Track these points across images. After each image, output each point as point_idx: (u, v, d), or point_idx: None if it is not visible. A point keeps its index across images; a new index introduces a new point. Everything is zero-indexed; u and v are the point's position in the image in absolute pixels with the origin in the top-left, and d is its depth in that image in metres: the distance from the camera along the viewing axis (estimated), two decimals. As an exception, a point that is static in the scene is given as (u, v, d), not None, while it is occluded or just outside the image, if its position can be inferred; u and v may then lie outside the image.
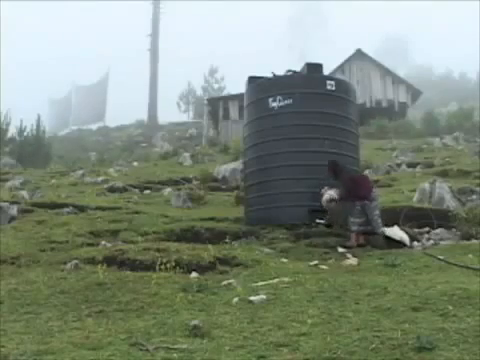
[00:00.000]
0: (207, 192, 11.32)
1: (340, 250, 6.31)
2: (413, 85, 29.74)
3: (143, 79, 49.87)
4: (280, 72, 8.18)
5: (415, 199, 9.01)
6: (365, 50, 29.51)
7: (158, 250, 5.58)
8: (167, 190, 11.73)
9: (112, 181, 13.29)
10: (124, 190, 12.13)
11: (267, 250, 6.17)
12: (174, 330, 3.31)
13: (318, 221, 7.13)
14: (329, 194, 6.92)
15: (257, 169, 7.73)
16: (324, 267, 5.32)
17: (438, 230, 7.42)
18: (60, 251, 5.98)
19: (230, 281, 4.58)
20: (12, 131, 21.78)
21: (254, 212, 7.64)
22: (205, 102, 33.01)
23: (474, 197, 9.03)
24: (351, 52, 29.11)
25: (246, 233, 7.07)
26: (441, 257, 5.51)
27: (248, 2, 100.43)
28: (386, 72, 29.05)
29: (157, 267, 4.94)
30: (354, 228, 6.66)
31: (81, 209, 8.84)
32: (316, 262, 5.51)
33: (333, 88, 7.56)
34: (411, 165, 14.79)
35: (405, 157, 16.41)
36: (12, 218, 8.00)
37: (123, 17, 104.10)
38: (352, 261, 5.71)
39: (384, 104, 28.20)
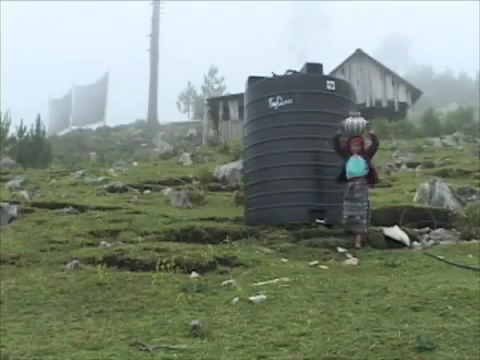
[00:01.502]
0: (207, 192, 11.32)
1: (340, 250, 6.31)
2: (413, 85, 29.80)
3: (143, 79, 49.99)
4: (280, 72, 8.18)
5: (415, 199, 9.01)
6: (365, 50, 29.58)
7: (158, 250, 5.58)
8: (167, 190, 11.72)
9: (112, 181, 13.28)
10: (124, 190, 12.12)
11: (267, 250, 6.16)
12: (174, 330, 3.31)
13: (318, 221, 7.13)
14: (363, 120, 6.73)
15: (257, 169, 7.73)
16: (324, 267, 5.32)
17: (438, 230, 7.42)
18: (60, 251, 5.97)
19: (230, 281, 4.58)
20: (12, 131, 21.78)
21: (254, 212, 7.64)
22: (205, 102, 33.07)
23: (474, 197, 9.03)
24: (351, 52, 29.16)
25: (246, 233, 7.06)
26: (441, 257, 5.51)
27: (248, 2, 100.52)
28: (386, 72, 29.09)
29: (157, 267, 4.93)
30: (366, 229, 6.58)
31: (81, 209, 8.83)
32: (316, 262, 5.51)
33: (333, 88, 7.55)
34: (411, 165, 14.80)
35: (405, 157, 16.42)
36: (12, 218, 8.00)
37: (123, 17, 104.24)
38: (352, 261, 5.71)
39: (384, 104, 28.24)
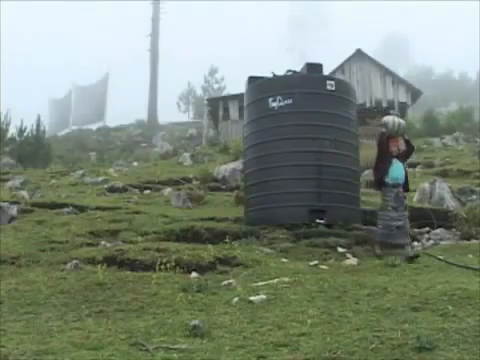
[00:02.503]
0: (207, 192, 11.31)
1: (340, 250, 6.31)
2: (413, 85, 29.76)
3: (143, 79, 49.91)
4: (280, 72, 8.18)
5: (415, 199, 9.02)
6: (365, 50, 29.52)
7: (158, 250, 5.58)
8: (167, 190, 11.71)
9: (112, 181, 13.27)
10: (124, 190, 12.10)
11: (267, 250, 6.17)
12: (174, 330, 3.31)
13: (318, 221, 7.13)
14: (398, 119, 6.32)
15: (257, 169, 7.73)
16: (324, 267, 5.32)
17: (438, 230, 7.43)
18: (60, 251, 5.98)
19: (230, 281, 4.58)
20: (12, 131, 21.75)
21: (254, 212, 7.64)
22: (205, 102, 33.05)
23: (474, 197, 9.04)
24: (351, 52, 29.12)
25: (246, 233, 7.06)
26: (441, 257, 5.52)
27: (248, 2, 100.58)
28: (386, 72, 29.07)
29: (157, 267, 4.93)
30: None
31: (81, 209, 8.82)
32: (316, 262, 5.51)
33: (333, 88, 7.55)
34: (411, 165, 14.78)
35: (405, 157, 16.40)
36: (12, 218, 7.99)
37: (123, 17, 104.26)
38: (352, 261, 5.72)
39: (384, 104, 28.18)
